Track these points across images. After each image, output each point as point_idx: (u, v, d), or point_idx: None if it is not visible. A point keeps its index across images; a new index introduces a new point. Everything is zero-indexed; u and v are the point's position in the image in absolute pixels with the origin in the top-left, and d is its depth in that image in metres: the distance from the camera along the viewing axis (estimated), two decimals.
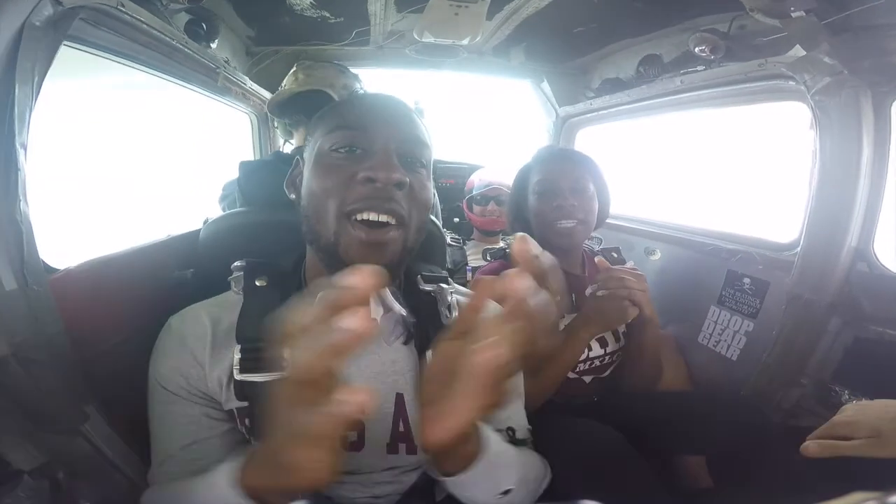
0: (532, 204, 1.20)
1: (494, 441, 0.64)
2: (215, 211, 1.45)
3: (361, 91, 1.49)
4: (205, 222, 1.20)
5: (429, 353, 0.72)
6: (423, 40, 1.81)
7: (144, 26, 1.06)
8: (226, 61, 1.59)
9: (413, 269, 0.81)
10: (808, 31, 1.06)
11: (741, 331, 1.33)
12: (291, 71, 1.44)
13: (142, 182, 1.73)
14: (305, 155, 0.76)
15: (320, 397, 0.38)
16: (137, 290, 0.96)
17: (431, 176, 0.75)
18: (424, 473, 0.77)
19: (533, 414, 0.92)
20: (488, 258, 1.32)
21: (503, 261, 1.23)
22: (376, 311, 0.74)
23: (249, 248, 0.83)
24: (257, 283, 0.73)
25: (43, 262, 0.75)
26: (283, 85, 2.07)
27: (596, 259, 1.14)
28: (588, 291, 1.13)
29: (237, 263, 0.76)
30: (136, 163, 1.74)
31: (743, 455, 1.01)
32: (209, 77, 1.48)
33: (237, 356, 0.67)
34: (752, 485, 0.99)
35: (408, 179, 0.67)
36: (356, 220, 0.66)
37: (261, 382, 0.66)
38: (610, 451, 0.90)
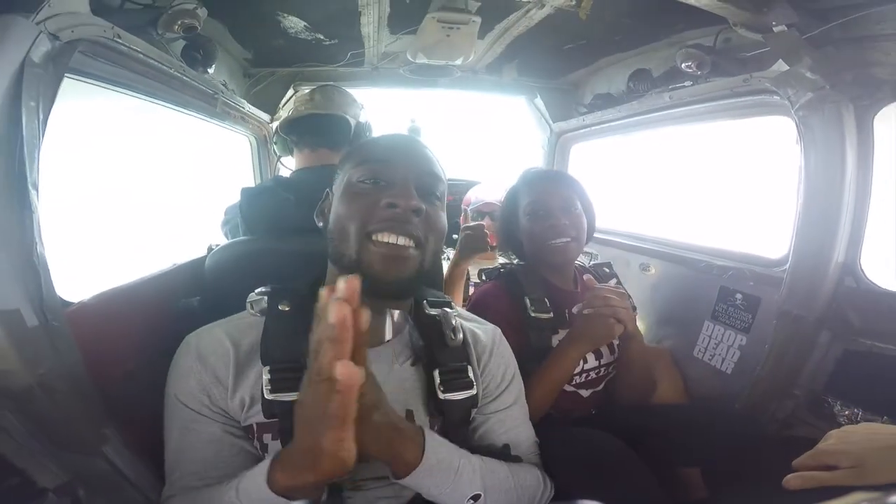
0: (524, 225, 1.23)
1: (445, 451, 0.73)
2: (218, 236, 1.47)
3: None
4: (209, 249, 1.23)
5: (436, 373, 0.80)
6: (417, 61, 1.84)
7: (141, 56, 1.09)
8: (223, 84, 1.62)
9: (419, 294, 0.87)
10: (790, 46, 1.08)
11: (735, 345, 1.34)
12: (306, 92, 1.47)
13: (142, 207, 1.76)
14: (334, 187, 0.84)
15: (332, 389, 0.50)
16: (147, 319, 1.00)
17: (445, 208, 0.84)
18: None
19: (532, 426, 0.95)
20: (482, 278, 1.33)
21: (497, 282, 1.25)
22: (389, 333, 0.81)
23: (253, 276, 0.86)
24: (280, 308, 0.78)
25: (60, 297, 0.77)
26: (281, 105, 2.12)
27: (584, 277, 1.16)
28: (574, 310, 1.16)
29: (261, 289, 0.80)
30: (137, 188, 1.78)
31: (738, 466, 1.02)
32: (207, 102, 1.51)
33: (266, 377, 0.72)
34: (746, 495, 0.99)
35: (424, 207, 0.75)
36: (377, 240, 0.73)
37: (290, 401, 0.69)
38: (610, 455, 0.92)
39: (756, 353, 1.24)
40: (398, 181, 0.76)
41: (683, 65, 1.37)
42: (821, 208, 1.07)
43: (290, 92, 2.09)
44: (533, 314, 1.15)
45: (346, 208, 0.77)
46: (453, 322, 0.83)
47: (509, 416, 0.88)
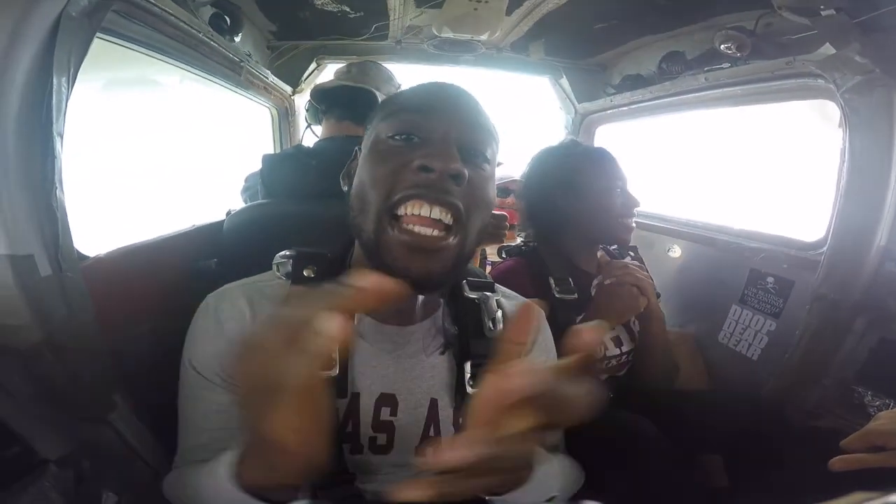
0: (595, 199, 1.18)
1: (542, 456, 0.61)
2: (237, 202, 1.47)
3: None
4: (227, 213, 1.22)
5: (467, 366, 0.71)
6: (442, 35, 1.81)
7: (173, 18, 1.07)
8: (248, 55, 1.60)
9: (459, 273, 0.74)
10: (838, 30, 1.05)
11: (763, 330, 1.32)
12: (345, 65, 1.45)
13: (162, 173, 1.75)
14: (363, 145, 0.71)
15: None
16: (163, 279, 0.97)
17: (495, 175, 0.70)
18: None
19: None
20: (503, 255, 1.31)
21: (518, 258, 1.23)
22: (419, 317, 0.72)
23: (272, 238, 0.82)
24: (305, 273, 0.70)
25: (76, 249, 0.75)
26: (304, 78, 2.10)
27: (599, 256, 1.17)
28: (594, 283, 1.15)
29: (286, 252, 0.73)
30: (156, 155, 1.76)
31: (761, 455, 1.01)
32: (233, 70, 1.50)
33: None
34: (769, 485, 0.99)
35: (467, 172, 0.60)
36: (402, 214, 0.59)
37: None
38: (637, 435, 0.92)
39: (786, 339, 1.22)
40: (436, 138, 0.61)
41: (722, 46, 1.34)
42: (864, 191, 1.05)
43: (313, 65, 2.07)
44: (558, 295, 1.11)
45: (369, 171, 0.63)
46: (495, 310, 0.73)
47: None
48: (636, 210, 1.20)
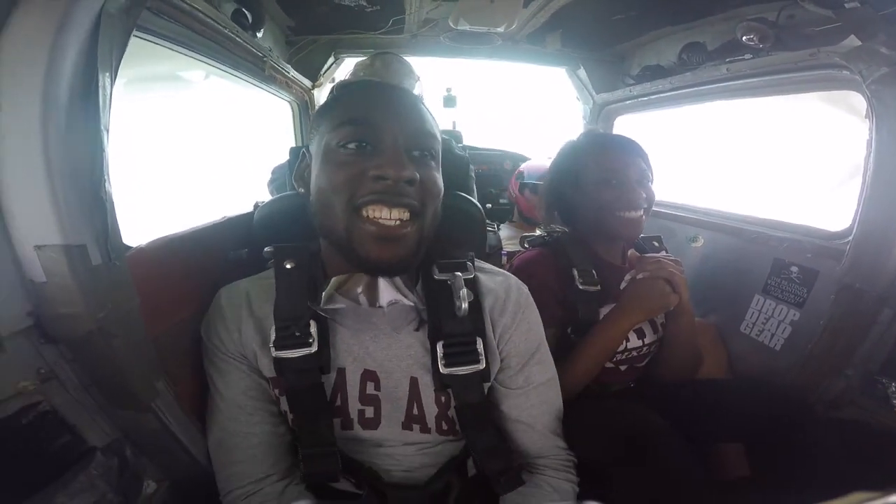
0: (589, 191, 1.15)
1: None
2: (263, 194, 1.49)
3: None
4: (255, 205, 1.25)
5: (439, 345, 0.76)
6: (458, 28, 1.81)
7: (200, 14, 1.10)
8: (269, 50, 1.62)
9: (433, 254, 0.80)
10: (863, 22, 1.04)
11: (786, 320, 1.32)
12: (367, 57, 1.45)
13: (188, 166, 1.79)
14: (312, 149, 0.76)
15: None
16: (198, 269, 0.99)
17: (440, 165, 0.76)
18: (458, 449, 0.82)
19: (571, 400, 0.93)
20: (526, 245, 1.31)
21: (541, 248, 1.21)
22: (385, 297, 0.77)
23: (300, 229, 0.85)
24: (287, 266, 0.76)
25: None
26: (322, 72, 2.11)
27: (629, 252, 1.14)
28: (627, 278, 1.12)
29: (268, 249, 0.80)
30: (181, 149, 1.79)
31: (782, 445, 1.00)
32: (256, 65, 1.52)
33: (273, 335, 0.73)
34: (790, 475, 0.99)
35: (418, 175, 0.68)
36: (366, 215, 0.67)
37: (293, 358, 0.72)
38: (647, 430, 0.91)
39: (809, 329, 1.22)
40: (386, 146, 0.68)
41: (745, 37, 1.33)
42: (891, 181, 1.05)
43: (331, 59, 2.09)
44: (581, 286, 1.10)
45: (328, 179, 0.69)
46: (462, 290, 0.75)
47: (537, 392, 0.84)
48: (655, 201, 1.15)
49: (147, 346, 0.76)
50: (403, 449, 0.79)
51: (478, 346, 0.77)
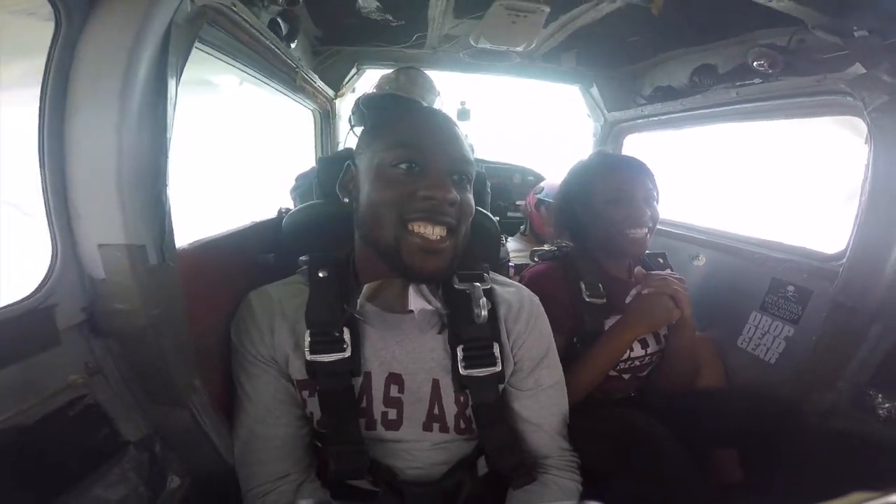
0: (599, 209, 1.20)
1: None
2: (285, 201, 1.56)
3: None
4: (279, 211, 1.32)
5: (459, 349, 0.83)
6: (479, 45, 1.87)
7: (246, 24, 1.14)
8: (299, 60, 1.70)
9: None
10: (869, 50, 1.09)
11: (781, 335, 1.36)
12: (392, 71, 1.51)
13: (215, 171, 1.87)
14: (361, 164, 0.84)
15: None
16: (228, 272, 1.02)
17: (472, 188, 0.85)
18: (470, 448, 0.87)
19: (576, 406, 0.98)
20: (535, 259, 1.36)
21: (551, 262, 1.27)
22: (414, 304, 0.83)
23: (327, 236, 0.91)
24: (320, 275, 0.84)
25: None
26: (345, 82, 2.19)
27: (636, 269, 1.18)
28: (632, 292, 1.16)
29: (302, 258, 0.87)
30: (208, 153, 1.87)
31: (775, 452, 1.04)
32: (288, 75, 1.59)
33: (307, 339, 0.79)
34: (782, 481, 1.03)
35: (459, 198, 0.77)
36: (412, 230, 0.76)
37: (327, 362, 0.79)
38: (648, 436, 0.95)
39: (803, 344, 1.26)
40: (433, 170, 0.77)
41: (755, 63, 1.38)
42: (886, 205, 1.09)
43: (354, 70, 2.17)
44: (588, 298, 1.15)
45: (380, 195, 0.77)
46: (481, 299, 0.82)
47: (545, 394, 0.91)
48: (659, 221, 1.20)
49: (189, 344, 0.79)
50: (420, 447, 0.84)
51: (494, 351, 0.85)
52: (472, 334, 0.84)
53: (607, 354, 1.11)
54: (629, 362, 1.20)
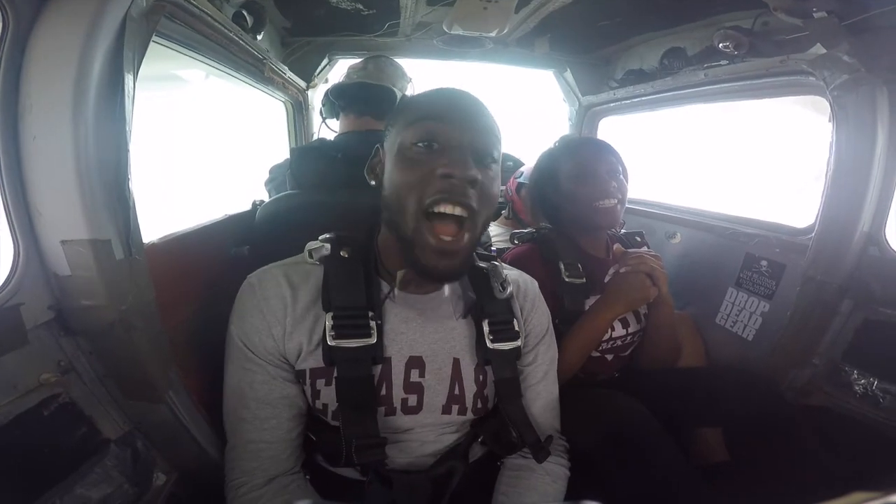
0: (567, 188, 1.23)
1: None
2: (260, 193, 1.54)
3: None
4: (254, 203, 1.29)
5: (485, 324, 0.83)
6: (452, 32, 1.85)
7: (207, 17, 1.11)
8: (267, 51, 1.66)
9: None
10: (828, 31, 1.11)
11: (757, 311, 1.40)
12: (360, 61, 1.49)
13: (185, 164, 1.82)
14: (386, 145, 0.81)
15: None
16: (203, 264, 1.02)
17: (500, 171, 0.81)
18: (463, 435, 0.87)
19: (561, 388, 0.98)
20: (516, 241, 1.38)
21: (530, 244, 1.28)
22: (446, 290, 0.85)
23: (302, 226, 0.88)
24: (342, 254, 0.79)
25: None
26: (317, 73, 2.15)
27: (615, 247, 1.20)
28: (610, 271, 1.18)
29: (325, 236, 0.82)
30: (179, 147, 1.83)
31: (757, 430, 1.07)
32: (255, 67, 1.55)
33: (329, 323, 0.74)
34: (766, 459, 1.06)
35: (480, 177, 0.73)
36: (433, 212, 0.72)
37: (351, 348, 0.75)
38: (632, 421, 0.96)
39: (778, 319, 1.29)
40: (453, 146, 0.73)
41: (721, 45, 1.41)
42: (849, 181, 1.13)
43: (325, 60, 2.13)
44: (567, 279, 1.17)
45: (401, 177, 0.74)
46: (502, 275, 0.86)
47: (541, 369, 0.92)
48: (629, 195, 1.23)
49: (162, 337, 0.78)
50: (431, 433, 0.83)
51: (515, 325, 0.86)
52: (494, 309, 0.85)
53: (588, 335, 1.12)
54: (611, 342, 1.21)
